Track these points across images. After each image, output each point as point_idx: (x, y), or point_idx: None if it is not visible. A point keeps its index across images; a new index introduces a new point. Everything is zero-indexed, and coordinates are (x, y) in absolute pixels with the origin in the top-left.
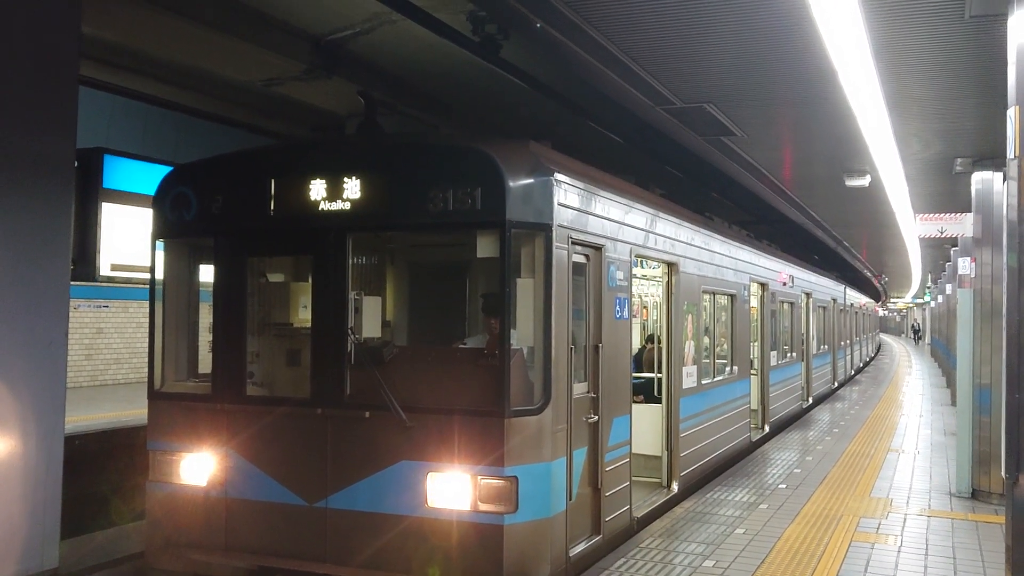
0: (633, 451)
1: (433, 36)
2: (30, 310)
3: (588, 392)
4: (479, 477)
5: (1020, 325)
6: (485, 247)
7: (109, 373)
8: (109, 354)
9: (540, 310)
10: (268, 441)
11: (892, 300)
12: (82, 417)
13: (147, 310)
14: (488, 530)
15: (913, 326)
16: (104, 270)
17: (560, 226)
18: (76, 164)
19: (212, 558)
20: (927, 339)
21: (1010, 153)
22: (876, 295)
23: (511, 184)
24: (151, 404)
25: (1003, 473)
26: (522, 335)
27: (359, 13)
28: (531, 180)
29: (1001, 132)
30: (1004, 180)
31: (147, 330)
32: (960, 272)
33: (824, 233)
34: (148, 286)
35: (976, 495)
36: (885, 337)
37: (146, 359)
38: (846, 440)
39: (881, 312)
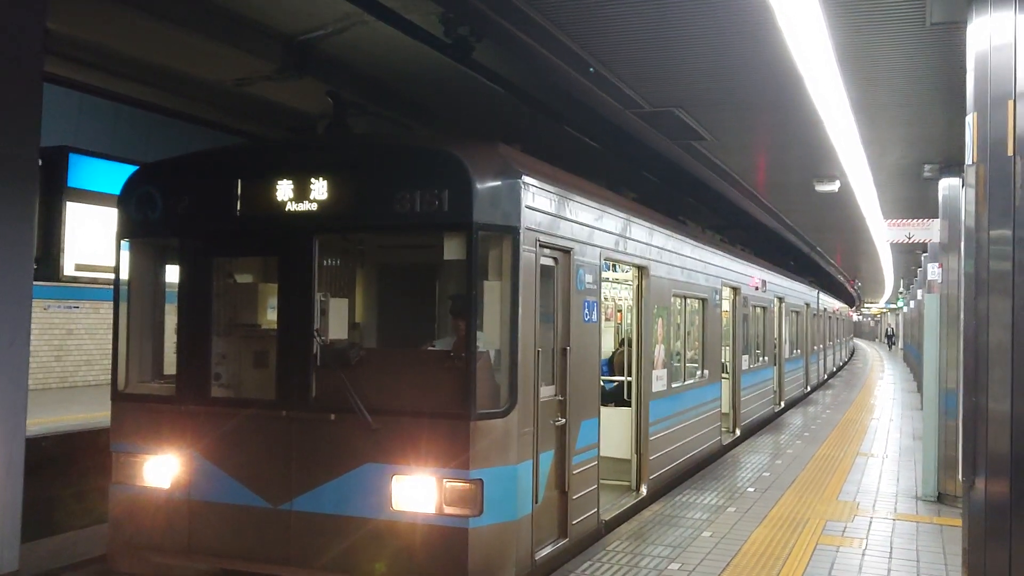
0: (602, 454)
1: (406, 37)
2: None
3: (556, 395)
4: (444, 480)
5: (977, 330)
6: (452, 249)
7: (79, 375)
8: (79, 355)
9: (507, 313)
10: (233, 443)
11: (866, 305)
12: (49, 419)
13: None
14: (453, 533)
15: (886, 331)
16: (68, 270)
17: (528, 229)
18: (40, 163)
19: (174, 560)
20: (900, 344)
21: (968, 159)
22: (850, 300)
23: (478, 186)
24: (115, 406)
25: (960, 477)
26: (489, 338)
27: (331, 13)
28: (499, 182)
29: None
30: (963, 187)
31: None
32: (929, 278)
33: (797, 238)
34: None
35: (942, 499)
36: (859, 342)
37: None
38: (816, 444)
39: (855, 317)
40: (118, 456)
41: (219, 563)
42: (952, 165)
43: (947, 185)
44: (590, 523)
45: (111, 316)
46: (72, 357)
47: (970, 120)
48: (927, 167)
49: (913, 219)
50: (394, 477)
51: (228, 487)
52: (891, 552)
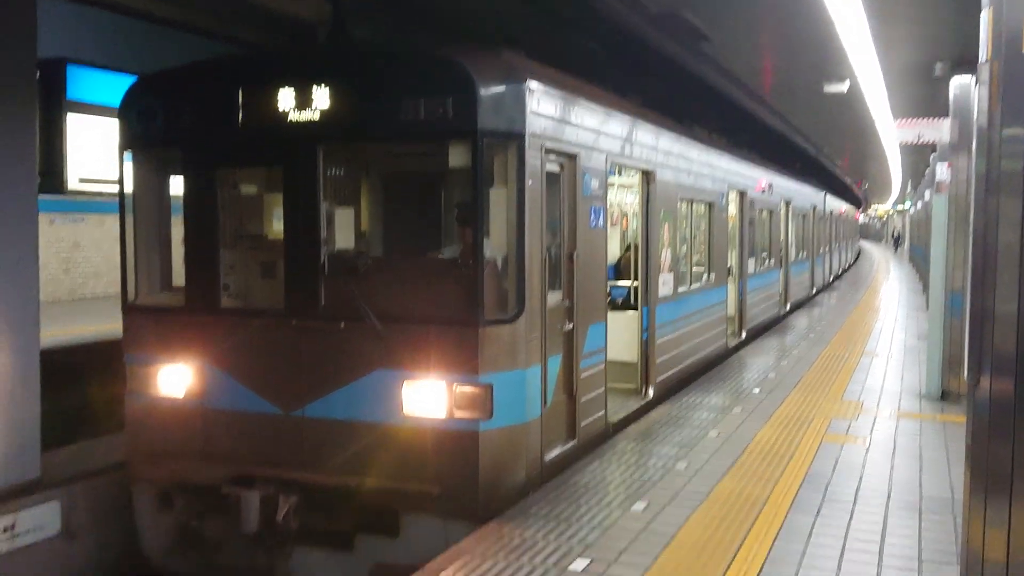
0: (609, 358)
1: None
2: None
3: (563, 301)
4: (454, 385)
5: (986, 230)
6: (457, 157)
7: (88, 287)
8: (87, 268)
9: (513, 220)
10: (244, 352)
11: (873, 207)
12: (61, 331)
13: None
14: (463, 436)
15: (893, 233)
16: (72, 183)
17: (533, 135)
18: (39, 75)
19: (191, 466)
20: (906, 246)
21: (982, 56)
22: (857, 202)
23: (482, 92)
24: (126, 317)
25: (964, 375)
26: (495, 245)
27: None
28: (503, 88)
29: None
30: (975, 84)
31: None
32: (938, 178)
33: (804, 140)
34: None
35: (945, 396)
36: (865, 244)
37: None
38: (821, 345)
39: (862, 219)
40: (132, 366)
41: (234, 468)
42: (964, 63)
43: (958, 84)
44: (598, 425)
45: (117, 229)
46: (80, 269)
47: (985, 16)
48: (938, 65)
49: (923, 118)
50: (404, 383)
51: (241, 395)
52: (894, 449)
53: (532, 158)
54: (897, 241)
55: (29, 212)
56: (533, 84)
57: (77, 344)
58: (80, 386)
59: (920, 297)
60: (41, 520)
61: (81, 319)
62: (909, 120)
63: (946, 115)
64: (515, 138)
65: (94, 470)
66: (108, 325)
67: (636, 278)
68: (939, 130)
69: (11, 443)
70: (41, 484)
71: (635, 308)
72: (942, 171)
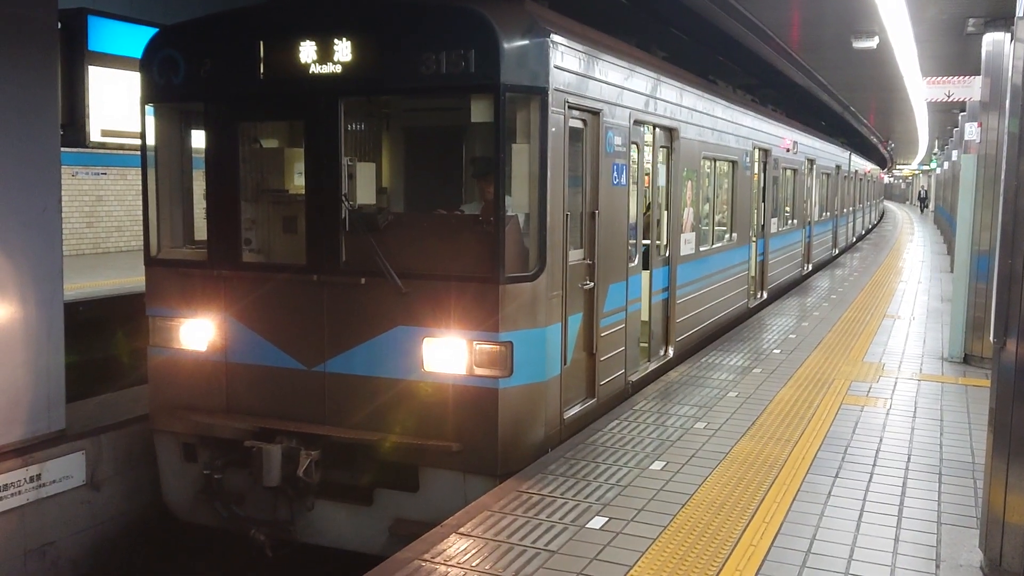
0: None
1: None
2: (21, 177)
3: (584, 259)
4: (474, 342)
5: (1017, 191)
6: (479, 112)
7: (111, 241)
8: (110, 222)
9: (535, 176)
10: (266, 307)
11: (898, 167)
12: (85, 284)
13: None
14: (483, 393)
15: (919, 193)
16: (95, 135)
17: (556, 90)
18: (60, 26)
19: (213, 420)
20: (931, 207)
21: (1019, 11)
22: (882, 162)
23: (505, 46)
24: (148, 271)
25: (991, 337)
26: (517, 202)
27: None
28: (526, 41)
29: None
30: (1011, 41)
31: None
32: (967, 138)
33: (830, 98)
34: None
35: (968, 360)
36: (890, 204)
37: None
38: (843, 306)
39: (887, 179)
40: (154, 320)
41: (256, 422)
42: (998, 19)
43: (991, 40)
44: (617, 384)
45: (139, 182)
46: (103, 223)
47: None
48: (971, 21)
49: (953, 77)
50: (425, 340)
51: (263, 349)
52: (915, 411)
53: (555, 114)
54: (924, 202)
55: (52, 162)
56: (557, 37)
57: (100, 297)
58: (103, 339)
59: (944, 259)
60: (67, 470)
61: (104, 273)
62: (939, 78)
63: (977, 73)
64: (538, 93)
65: (118, 422)
66: (131, 279)
67: (654, 237)
68: (970, 88)
69: (37, 395)
70: (66, 435)
71: (647, 268)
72: (971, 131)
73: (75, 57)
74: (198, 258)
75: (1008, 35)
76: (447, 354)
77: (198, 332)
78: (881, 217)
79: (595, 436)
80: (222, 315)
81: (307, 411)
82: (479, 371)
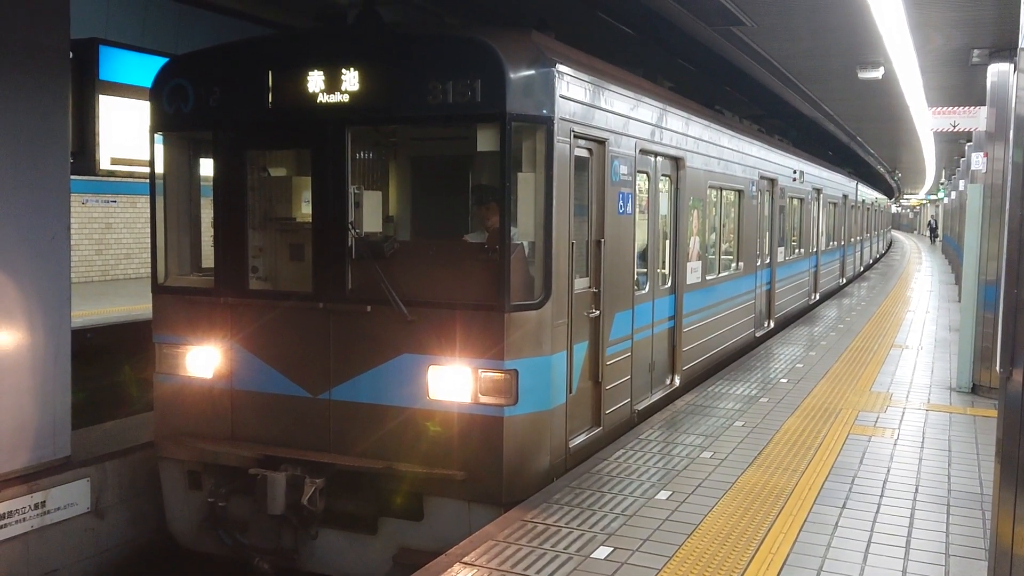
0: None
1: None
2: (31, 204)
3: (590, 287)
4: (480, 370)
5: (1022, 221)
6: (485, 140)
7: (120, 268)
8: (119, 249)
9: (541, 205)
10: (272, 334)
11: (906, 196)
12: (93, 311)
13: None
14: (488, 422)
15: (929, 223)
16: (104, 163)
17: (562, 119)
18: (71, 55)
19: (219, 447)
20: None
21: (1022, 42)
22: (889, 191)
23: (512, 76)
24: (155, 298)
25: (997, 367)
26: (522, 230)
27: None
28: (532, 71)
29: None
30: (1015, 71)
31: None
32: (973, 167)
33: (837, 128)
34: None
35: (976, 390)
36: (897, 234)
37: None
38: (850, 336)
39: (894, 209)
40: (161, 347)
41: (261, 450)
42: (1003, 50)
43: (996, 71)
44: (623, 412)
45: (148, 210)
46: (112, 251)
47: None
48: (976, 52)
49: (959, 107)
50: (430, 367)
51: (268, 377)
52: (923, 442)
53: (561, 143)
54: (934, 231)
55: (62, 190)
56: (563, 67)
57: (108, 324)
58: (110, 365)
59: (952, 288)
60: (71, 498)
61: (112, 300)
62: (945, 108)
63: (982, 103)
64: (544, 122)
65: (123, 449)
66: (139, 306)
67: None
68: (975, 118)
69: (42, 421)
70: (71, 462)
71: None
72: (978, 160)
73: (86, 86)
74: (205, 286)
75: (1012, 66)
76: (452, 382)
77: (204, 359)
78: (889, 246)
79: (600, 465)
80: (228, 342)
81: (312, 439)
82: (484, 399)
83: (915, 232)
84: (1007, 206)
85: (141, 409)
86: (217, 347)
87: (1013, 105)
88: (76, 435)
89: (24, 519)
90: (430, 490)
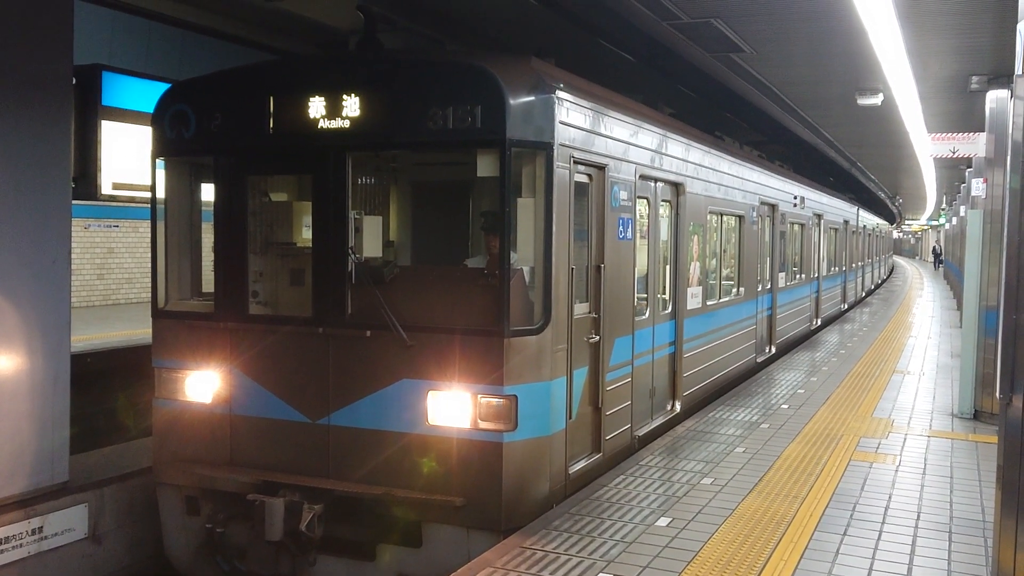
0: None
1: None
2: (33, 229)
3: (590, 312)
4: (479, 396)
5: (1020, 247)
6: (485, 166)
7: (121, 292)
8: (121, 274)
9: (540, 230)
10: (271, 359)
11: (907, 222)
12: (94, 336)
13: None
14: (488, 447)
15: (934, 248)
16: (106, 188)
17: (562, 145)
18: (74, 81)
19: (217, 472)
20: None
21: (1018, 69)
22: (890, 217)
23: (511, 102)
24: (155, 323)
25: (997, 393)
26: (522, 255)
27: None
28: (532, 98)
29: None
30: (1012, 99)
31: None
32: (973, 193)
33: (837, 154)
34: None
35: (978, 416)
36: (899, 260)
37: None
38: (852, 361)
39: (896, 234)
40: (160, 372)
41: (260, 475)
42: (1001, 76)
43: (995, 98)
44: (623, 438)
45: (150, 235)
46: (114, 275)
47: (1021, 28)
48: (975, 79)
49: (958, 133)
50: (429, 393)
51: (268, 402)
52: (925, 468)
53: (560, 168)
54: (938, 257)
55: (63, 215)
56: (562, 93)
57: (108, 349)
58: (110, 390)
59: (954, 314)
60: (69, 523)
61: (114, 324)
62: (944, 135)
63: (980, 130)
64: (543, 148)
65: (121, 475)
66: (140, 330)
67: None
68: (974, 145)
69: (41, 446)
70: (69, 488)
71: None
72: (977, 186)
73: (88, 111)
74: (205, 310)
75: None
76: (452, 407)
77: (203, 384)
78: (891, 272)
79: (600, 491)
80: (228, 367)
81: (311, 464)
82: (483, 425)
83: (916, 257)
84: (1005, 232)
85: (140, 435)
86: (216, 372)
87: (1010, 131)
88: (74, 460)
89: (21, 544)
90: (429, 516)
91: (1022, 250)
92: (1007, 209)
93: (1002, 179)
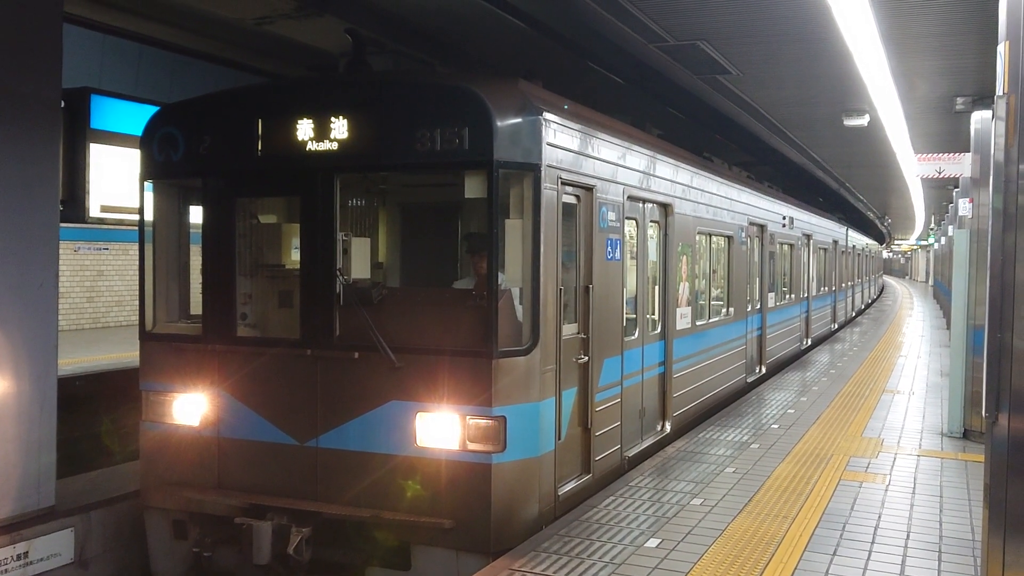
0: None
1: None
2: (19, 252)
3: (578, 333)
4: (467, 417)
5: (1004, 266)
6: (473, 187)
7: (111, 315)
8: (110, 296)
9: (528, 251)
10: (259, 382)
11: (897, 242)
12: (82, 359)
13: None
14: (476, 469)
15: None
16: (94, 211)
17: (549, 166)
18: (63, 105)
19: (205, 496)
20: (930, 281)
21: (999, 90)
22: (880, 237)
23: (499, 123)
24: (143, 345)
25: (983, 412)
26: (510, 276)
27: None
28: (519, 119)
29: None
30: (993, 119)
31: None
32: (960, 213)
33: (825, 174)
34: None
35: (968, 435)
36: (889, 279)
37: None
38: (842, 381)
39: (885, 254)
40: (148, 394)
41: (248, 499)
42: (985, 97)
43: (980, 118)
44: (613, 459)
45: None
46: (103, 298)
47: (1001, 49)
48: (959, 100)
49: (944, 153)
50: (418, 414)
51: (255, 424)
52: (914, 488)
53: (548, 190)
54: None
55: (51, 238)
56: (550, 115)
57: (96, 372)
58: (98, 413)
59: (943, 333)
60: (55, 548)
61: (103, 347)
62: (930, 155)
63: (966, 150)
64: (531, 169)
65: (108, 499)
66: (129, 353)
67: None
68: (960, 165)
69: (27, 470)
70: (55, 512)
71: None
72: (964, 206)
73: (77, 134)
74: (193, 332)
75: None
76: (440, 429)
77: (191, 407)
78: (881, 292)
79: (590, 512)
80: (215, 390)
81: (299, 487)
82: (472, 446)
83: (906, 277)
84: (988, 252)
85: (128, 458)
86: (204, 394)
87: (992, 152)
88: (61, 484)
89: (6, 570)
90: (417, 539)
91: (1006, 269)
92: (991, 228)
93: (988, 199)
